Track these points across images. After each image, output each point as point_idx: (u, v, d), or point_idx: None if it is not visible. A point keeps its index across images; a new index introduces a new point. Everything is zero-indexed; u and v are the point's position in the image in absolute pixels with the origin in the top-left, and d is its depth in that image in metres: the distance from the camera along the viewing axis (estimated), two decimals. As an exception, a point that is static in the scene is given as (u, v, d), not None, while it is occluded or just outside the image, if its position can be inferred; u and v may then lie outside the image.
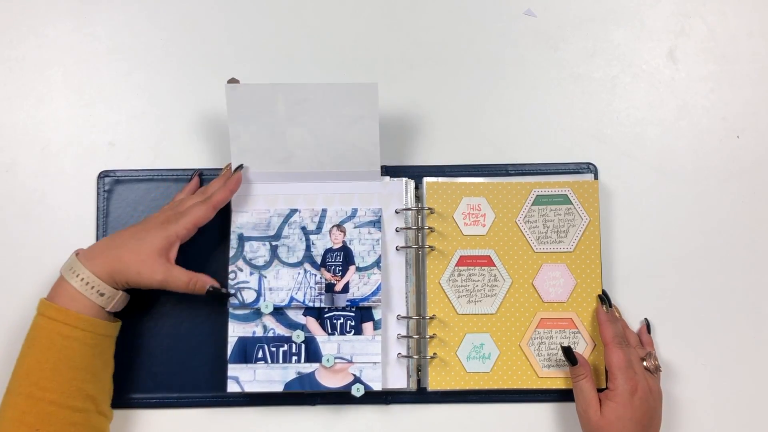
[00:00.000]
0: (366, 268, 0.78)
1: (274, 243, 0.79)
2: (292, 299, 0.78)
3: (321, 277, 0.78)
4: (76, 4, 0.86)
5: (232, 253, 0.78)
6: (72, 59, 0.85)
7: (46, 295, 0.72)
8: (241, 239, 0.78)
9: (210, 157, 0.83)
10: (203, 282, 0.74)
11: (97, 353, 0.71)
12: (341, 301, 0.78)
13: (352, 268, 0.78)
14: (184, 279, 0.73)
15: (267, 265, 0.78)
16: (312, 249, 0.79)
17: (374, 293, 0.78)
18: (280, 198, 0.80)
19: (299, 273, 0.78)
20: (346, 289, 0.78)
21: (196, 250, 0.79)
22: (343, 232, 0.79)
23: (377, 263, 0.78)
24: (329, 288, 0.78)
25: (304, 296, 0.78)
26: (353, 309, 0.78)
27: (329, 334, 0.78)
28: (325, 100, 0.76)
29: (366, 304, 0.77)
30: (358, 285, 0.78)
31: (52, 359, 0.69)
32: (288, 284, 0.78)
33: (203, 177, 0.82)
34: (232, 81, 0.76)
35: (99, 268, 0.71)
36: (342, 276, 0.78)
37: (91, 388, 0.70)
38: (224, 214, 0.79)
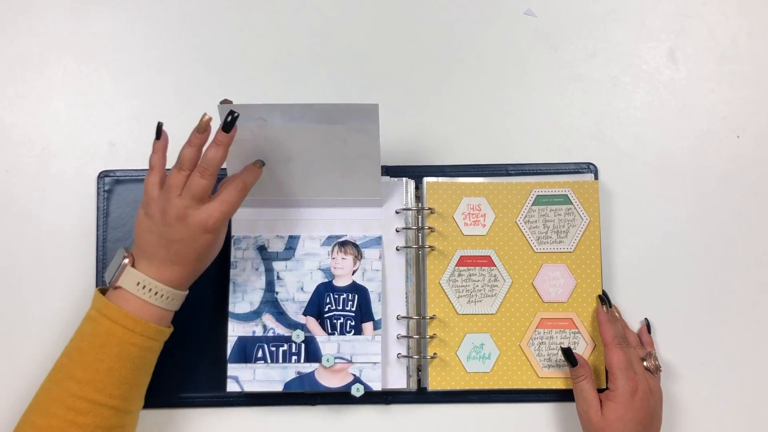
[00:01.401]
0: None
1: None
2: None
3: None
4: (76, 4, 0.86)
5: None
6: (72, 59, 0.86)
7: (99, 298, 0.69)
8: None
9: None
10: (246, 176, 0.73)
11: (156, 358, 0.72)
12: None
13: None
14: (238, 201, 0.71)
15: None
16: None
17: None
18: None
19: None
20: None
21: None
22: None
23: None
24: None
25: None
26: (353, 309, 0.78)
27: (329, 334, 0.78)
28: (323, 119, 0.73)
29: None
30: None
31: (125, 368, 0.68)
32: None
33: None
34: (225, 102, 0.72)
35: (174, 279, 0.70)
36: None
37: (143, 390, 0.72)
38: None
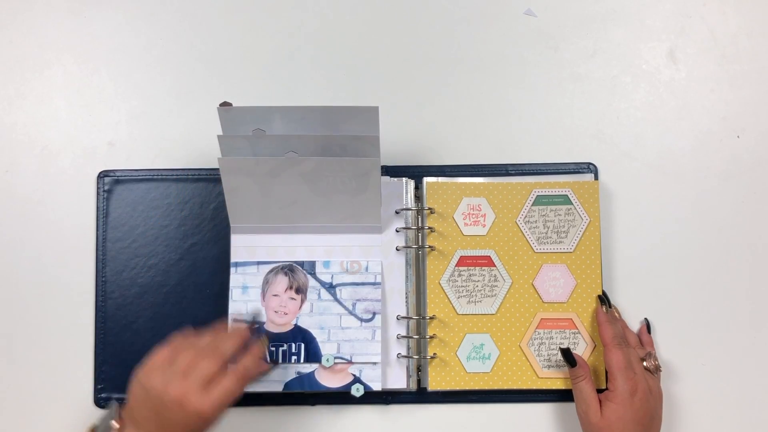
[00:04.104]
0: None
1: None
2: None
3: None
4: (76, 4, 0.86)
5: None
6: (72, 59, 0.86)
7: None
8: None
9: (209, 157, 0.83)
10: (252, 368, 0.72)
11: None
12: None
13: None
14: (239, 391, 0.69)
15: None
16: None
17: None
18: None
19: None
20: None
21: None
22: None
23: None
24: None
25: None
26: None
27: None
28: (323, 121, 0.72)
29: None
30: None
31: None
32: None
33: (201, 177, 0.82)
34: (225, 104, 0.72)
35: None
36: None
37: None
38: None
